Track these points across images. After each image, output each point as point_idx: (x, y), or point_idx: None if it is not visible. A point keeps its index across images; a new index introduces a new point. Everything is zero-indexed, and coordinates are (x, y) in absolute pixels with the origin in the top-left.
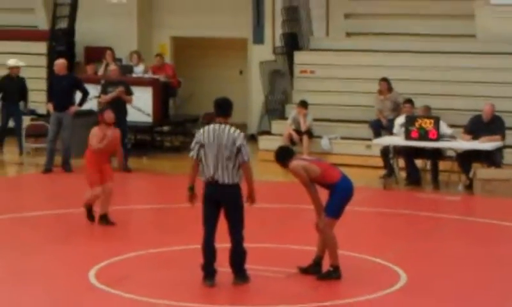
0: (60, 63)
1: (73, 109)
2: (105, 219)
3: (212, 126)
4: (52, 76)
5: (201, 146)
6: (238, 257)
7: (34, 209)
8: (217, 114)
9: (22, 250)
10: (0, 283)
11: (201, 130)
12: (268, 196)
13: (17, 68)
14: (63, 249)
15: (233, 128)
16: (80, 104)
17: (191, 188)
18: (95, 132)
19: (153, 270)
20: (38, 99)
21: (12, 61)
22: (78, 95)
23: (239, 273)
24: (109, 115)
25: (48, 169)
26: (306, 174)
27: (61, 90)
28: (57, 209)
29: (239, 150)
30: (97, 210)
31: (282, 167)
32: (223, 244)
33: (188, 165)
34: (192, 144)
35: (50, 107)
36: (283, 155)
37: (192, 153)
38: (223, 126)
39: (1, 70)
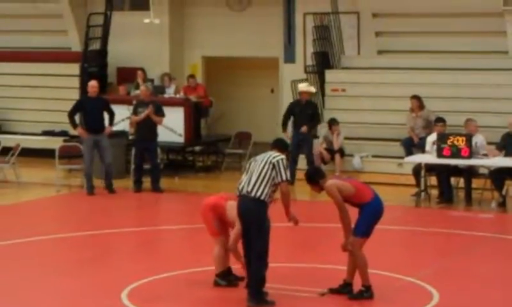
0: (95, 85)
1: (110, 129)
2: (223, 278)
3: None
4: (84, 98)
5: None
6: (252, 279)
7: (73, 230)
8: (271, 147)
9: (58, 270)
10: (35, 304)
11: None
12: (299, 215)
13: (307, 93)
14: (97, 269)
15: (276, 153)
16: (111, 124)
17: None
18: None
19: (186, 291)
20: None
21: (303, 86)
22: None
23: (251, 295)
24: None
25: (90, 193)
26: (340, 193)
27: (96, 112)
28: (96, 229)
29: (273, 167)
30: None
31: (313, 189)
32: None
33: (219, 186)
34: None
35: (83, 132)
36: (315, 176)
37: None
38: (269, 151)
39: (25, 90)
